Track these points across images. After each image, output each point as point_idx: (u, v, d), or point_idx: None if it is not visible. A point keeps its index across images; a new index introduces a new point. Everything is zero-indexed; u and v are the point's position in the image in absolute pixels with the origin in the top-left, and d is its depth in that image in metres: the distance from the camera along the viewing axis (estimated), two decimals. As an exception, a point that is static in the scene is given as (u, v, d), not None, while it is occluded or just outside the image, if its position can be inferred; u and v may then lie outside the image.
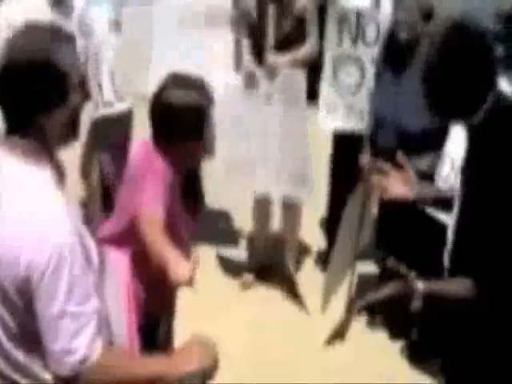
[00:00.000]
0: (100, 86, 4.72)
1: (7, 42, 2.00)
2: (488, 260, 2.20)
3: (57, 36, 2.03)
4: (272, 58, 4.66)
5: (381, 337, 4.56)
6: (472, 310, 2.26)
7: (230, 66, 4.90)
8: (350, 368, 4.18)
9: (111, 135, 4.91)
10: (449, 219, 2.65)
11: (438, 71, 2.30)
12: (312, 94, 4.96)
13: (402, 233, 4.30)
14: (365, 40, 4.71)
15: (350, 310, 2.46)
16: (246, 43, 4.77)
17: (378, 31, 4.65)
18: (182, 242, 2.89)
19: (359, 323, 4.06)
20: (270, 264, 5.31)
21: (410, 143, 3.92)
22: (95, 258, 2.10)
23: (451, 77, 2.27)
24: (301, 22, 4.68)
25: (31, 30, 2.03)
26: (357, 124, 4.77)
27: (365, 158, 4.49)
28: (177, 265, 2.60)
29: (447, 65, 2.27)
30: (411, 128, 4.14)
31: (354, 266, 3.74)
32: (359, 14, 4.67)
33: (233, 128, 4.81)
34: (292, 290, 5.04)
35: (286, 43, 4.68)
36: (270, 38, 4.67)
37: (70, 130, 2.09)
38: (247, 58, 4.76)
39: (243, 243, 5.63)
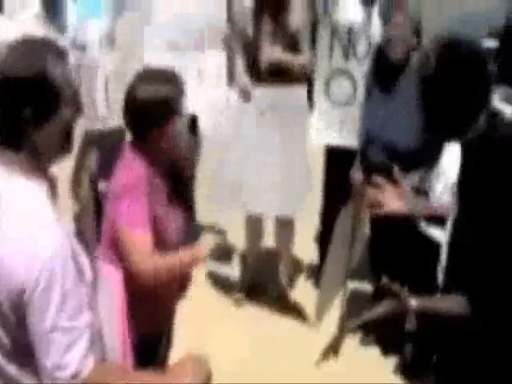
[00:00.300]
0: (94, 101, 4.72)
1: None
2: (482, 277, 2.20)
3: (49, 50, 2.03)
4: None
5: (374, 353, 4.55)
6: (466, 328, 2.26)
7: (223, 83, 4.90)
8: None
9: (103, 150, 4.91)
10: (442, 236, 2.65)
11: (431, 88, 2.30)
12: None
13: (395, 250, 4.30)
14: (356, 55, 4.72)
15: (343, 328, 2.45)
16: (240, 60, 4.77)
17: (370, 46, 4.67)
18: (176, 245, 2.93)
19: (352, 340, 4.05)
20: (263, 280, 5.30)
21: (400, 160, 3.92)
22: (88, 272, 2.10)
23: (445, 94, 2.27)
24: (295, 40, 4.69)
25: (23, 44, 2.03)
26: (349, 139, 4.76)
27: (356, 174, 4.50)
28: (188, 252, 2.85)
29: (441, 82, 2.27)
30: (401, 145, 4.15)
31: (346, 283, 3.74)
32: (350, 30, 4.69)
33: (229, 145, 4.82)
34: (286, 306, 5.04)
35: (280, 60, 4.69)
36: (265, 54, 4.67)
37: (63, 144, 2.08)
38: (242, 74, 4.76)
39: (236, 260, 5.62)
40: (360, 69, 4.70)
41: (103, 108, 4.77)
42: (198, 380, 2.06)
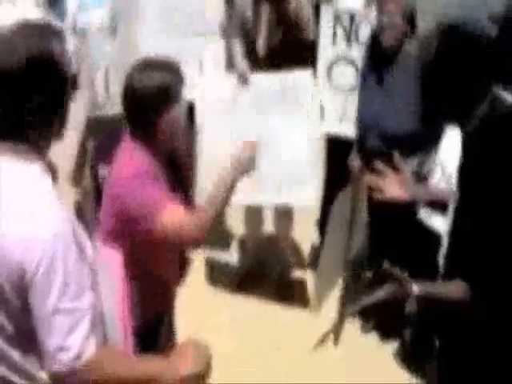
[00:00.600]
0: (94, 88, 4.71)
1: None
2: (483, 263, 2.20)
3: (50, 31, 2.03)
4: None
5: (374, 339, 4.57)
6: (467, 313, 2.26)
7: (222, 69, 4.88)
8: (343, 370, 4.19)
9: (104, 136, 4.90)
10: (442, 223, 2.65)
11: (432, 73, 2.30)
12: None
13: (394, 237, 4.30)
14: (359, 41, 4.70)
15: (342, 314, 2.46)
16: (238, 45, 4.75)
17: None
18: None
19: (352, 325, 4.06)
20: (261, 266, 5.30)
21: (396, 146, 3.92)
22: (89, 253, 2.10)
23: (446, 79, 2.27)
24: (296, 25, 4.67)
25: (24, 28, 2.02)
26: (351, 126, 4.72)
27: (354, 161, 4.50)
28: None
29: (442, 67, 2.27)
30: (397, 131, 4.15)
31: (345, 270, 3.73)
32: (353, 16, 4.67)
33: (225, 133, 4.79)
34: (286, 289, 5.04)
35: (279, 46, 4.66)
36: (264, 40, 4.65)
37: (61, 128, 2.09)
38: (240, 59, 4.73)
39: (234, 246, 5.63)
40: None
41: (103, 95, 4.76)
42: (198, 366, 2.08)
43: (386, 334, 4.54)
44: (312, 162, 4.80)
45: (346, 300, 2.55)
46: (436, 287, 2.35)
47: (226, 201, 2.91)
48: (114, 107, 4.71)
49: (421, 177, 3.87)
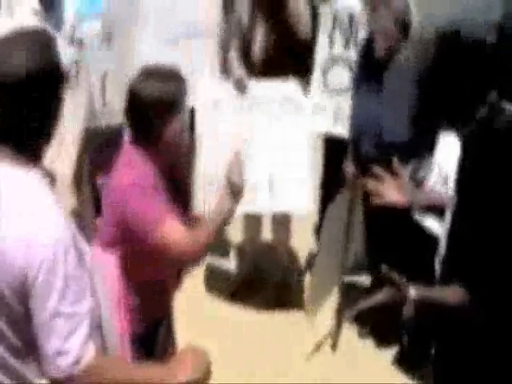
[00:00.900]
0: (91, 97, 4.71)
1: None
2: (481, 268, 2.21)
3: (42, 39, 2.04)
4: None
5: (371, 344, 4.56)
6: (464, 318, 2.27)
7: (216, 74, 4.88)
8: (341, 374, 4.18)
9: (102, 145, 4.90)
10: (440, 226, 2.65)
11: (430, 79, 2.31)
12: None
13: (391, 241, 4.30)
14: (357, 43, 4.68)
15: (340, 320, 2.46)
16: (234, 51, 4.75)
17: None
18: None
19: (349, 331, 4.06)
20: (260, 273, 5.30)
21: (389, 153, 3.91)
22: (88, 257, 2.11)
23: (444, 85, 2.28)
24: (293, 29, 4.67)
25: (17, 35, 2.03)
26: (344, 128, 4.69)
27: (348, 167, 4.50)
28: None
29: (440, 73, 2.28)
30: (391, 137, 4.14)
31: (342, 276, 3.73)
32: (351, 15, 4.66)
33: (221, 139, 4.79)
34: (285, 295, 5.04)
35: (275, 51, 4.66)
36: (260, 45, 4.66)
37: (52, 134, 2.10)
38: (236, 65, 4.73)
39: (233, 253, 5.62)
40: None
41: (100, 102, 4.76)
42: (197, 372, 2.07)
43: (383, 338, 4.54)
44: (309, 166, 4.80)
45: (342, 305, 2.55)
46: (434, 292, 2.35)
47: (224, 223, 2.92)
48: (111, 115, 4.74)
49: (416, 182, 3.87)
